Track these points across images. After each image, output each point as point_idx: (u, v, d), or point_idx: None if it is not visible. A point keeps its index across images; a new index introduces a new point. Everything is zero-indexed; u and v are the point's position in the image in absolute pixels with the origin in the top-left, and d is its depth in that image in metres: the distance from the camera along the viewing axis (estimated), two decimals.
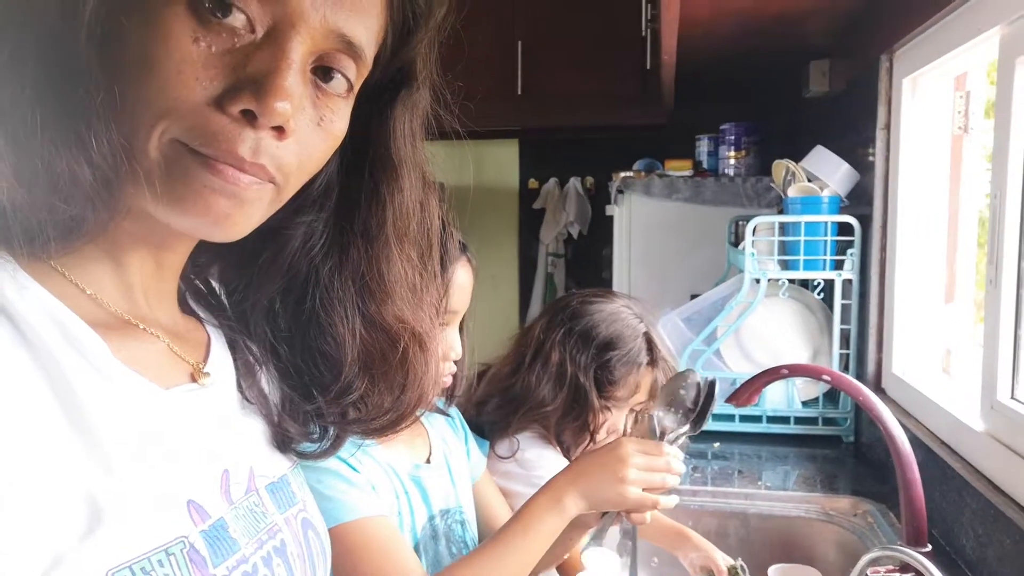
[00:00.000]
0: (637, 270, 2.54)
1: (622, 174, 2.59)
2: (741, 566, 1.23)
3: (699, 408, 0.96)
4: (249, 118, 0.44)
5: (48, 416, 0.41)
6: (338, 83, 0.49)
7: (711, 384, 0.98)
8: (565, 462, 1.25)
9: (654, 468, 0.92)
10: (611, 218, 2.58)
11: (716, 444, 1.81)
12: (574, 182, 3.31)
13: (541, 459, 1.24)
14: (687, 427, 0.98)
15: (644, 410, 1.26)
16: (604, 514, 0.95)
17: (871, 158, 1.71)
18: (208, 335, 0.57)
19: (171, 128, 0.43)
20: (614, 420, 1.27)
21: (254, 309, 0.59)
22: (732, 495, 1.52)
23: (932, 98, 1.56)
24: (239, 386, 0.58)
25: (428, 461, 1.06)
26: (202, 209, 0.45)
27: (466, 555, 0.93)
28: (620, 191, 2.53)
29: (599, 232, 3.21)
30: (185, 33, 0.43)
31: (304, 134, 0.48)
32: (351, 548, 0.85)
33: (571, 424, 1.25)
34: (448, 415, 1.15)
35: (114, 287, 0.49)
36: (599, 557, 0.99)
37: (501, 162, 3.45)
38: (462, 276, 0.99)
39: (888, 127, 1.66)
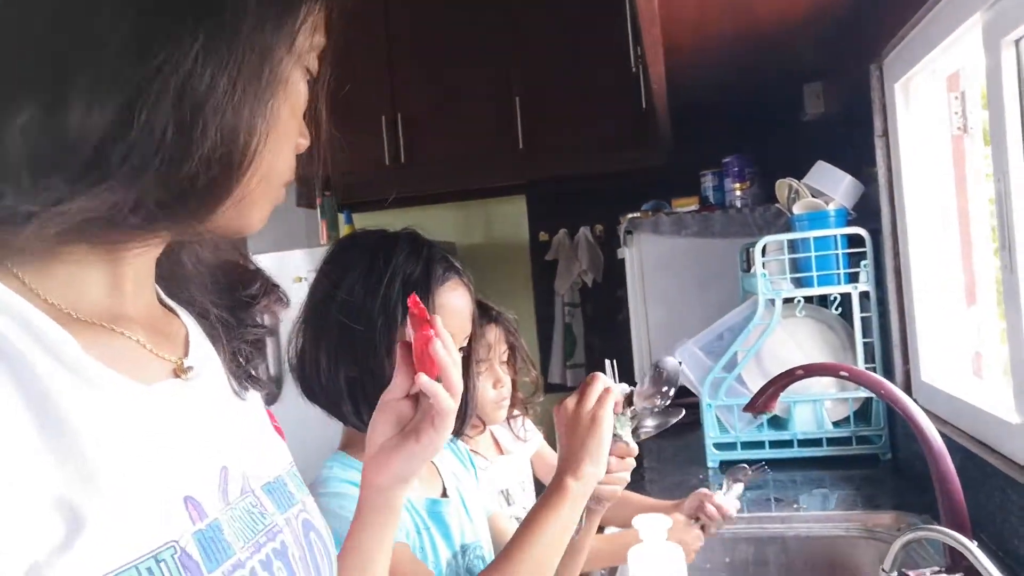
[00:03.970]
0: (653, 309, 2.51)
1: (629, 215, 2.59)
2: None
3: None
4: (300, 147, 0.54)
5: (16, 422, 0.39)
6: None
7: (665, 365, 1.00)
8: None
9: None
10: (623, 261, 2.57)
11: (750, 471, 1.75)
12: (584, 231, 3.32)
13: None
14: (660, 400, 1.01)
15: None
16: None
17: (873, 168, 1.70)
18: (185, 327, 0.55)
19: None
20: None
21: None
22: (768, 519, 1.45)
23: (926, 101, 1.56)
24: (229, 376, 0.56)
25: (444, 495, 1.03)
26: (261, 220, 0.52)
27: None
28: (629, 232, 2.52)
29: (613, 278, 3.20)
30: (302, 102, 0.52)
31: None
32: None
33: None
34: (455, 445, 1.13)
35: (102, 284, 0.48)
36: (651, 521, 0.97)
37: (510, 218, 3.48)
38: (453, 299, 0.95)
39: (886, 134, 1.65)
